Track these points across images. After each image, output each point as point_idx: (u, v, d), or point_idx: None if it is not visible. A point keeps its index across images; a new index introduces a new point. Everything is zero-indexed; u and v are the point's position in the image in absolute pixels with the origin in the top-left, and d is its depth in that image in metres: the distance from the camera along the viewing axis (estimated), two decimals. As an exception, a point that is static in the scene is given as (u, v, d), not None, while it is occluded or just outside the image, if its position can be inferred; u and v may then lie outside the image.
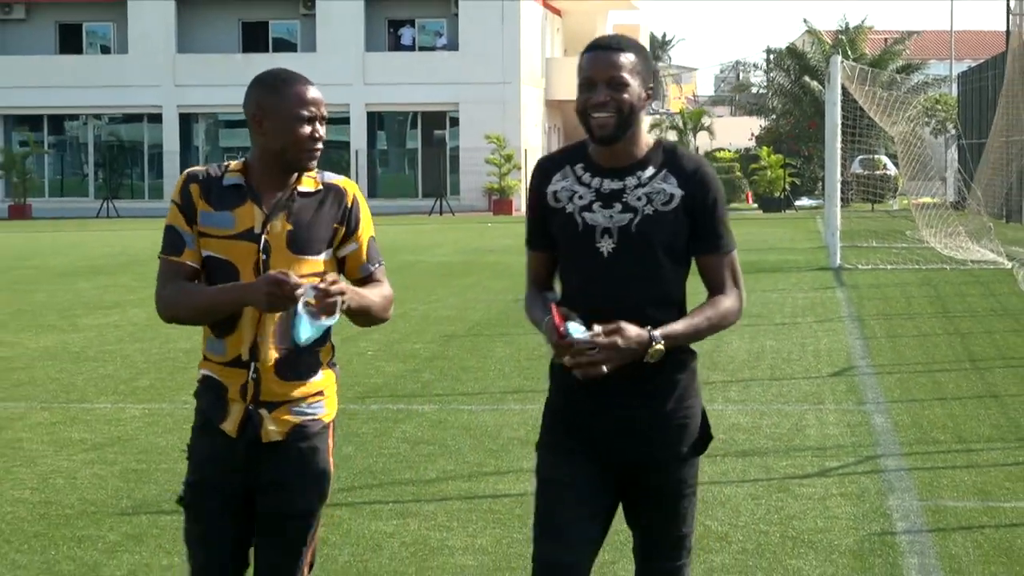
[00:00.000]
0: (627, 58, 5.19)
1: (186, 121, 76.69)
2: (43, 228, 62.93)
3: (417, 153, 79.06)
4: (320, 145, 5.40)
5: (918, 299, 27.60)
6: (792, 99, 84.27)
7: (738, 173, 78.82)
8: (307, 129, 5.32)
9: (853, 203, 60.13)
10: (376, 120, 78.46)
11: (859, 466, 12.63)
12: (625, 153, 5.26)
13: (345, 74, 74.66)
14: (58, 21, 77.47)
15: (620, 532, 6.15)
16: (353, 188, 5.54)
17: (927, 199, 50.19)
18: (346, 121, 76.50)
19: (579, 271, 5.31)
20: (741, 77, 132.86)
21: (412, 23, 78.73)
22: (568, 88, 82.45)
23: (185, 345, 19.01)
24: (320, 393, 5.55)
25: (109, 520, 10.68)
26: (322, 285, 5.22)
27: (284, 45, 79.12)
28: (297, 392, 5.45)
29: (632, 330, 5.05)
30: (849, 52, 74.37)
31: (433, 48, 77.82)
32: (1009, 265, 32.57)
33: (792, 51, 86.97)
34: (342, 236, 5.51)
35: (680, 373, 5.36)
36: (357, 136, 76.72)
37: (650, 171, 5.25)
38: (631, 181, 5.23)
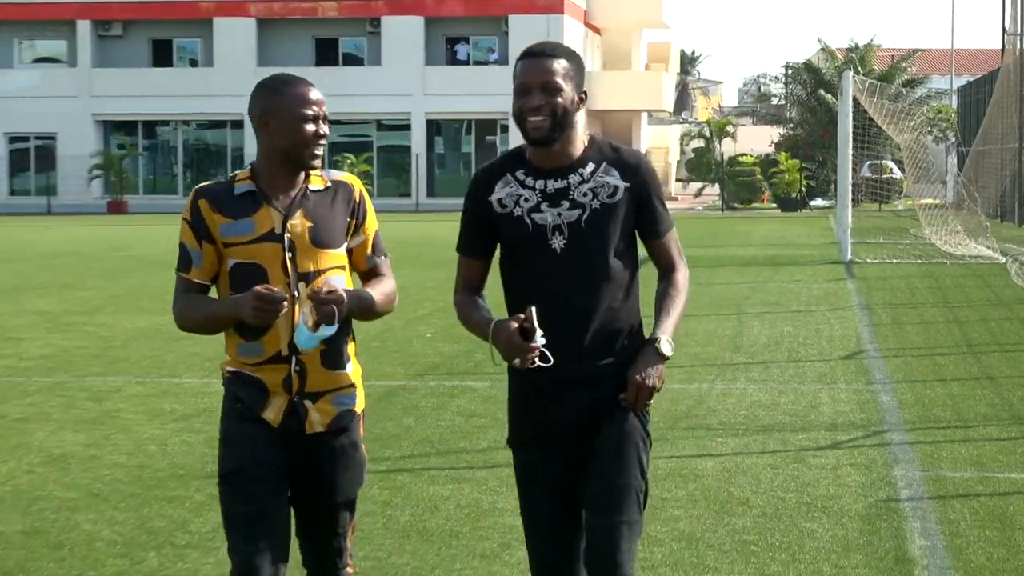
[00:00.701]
0: (560, 64, 5.02)
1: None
2: (138, 222, 62.60)
3: (471, 157, 78.49)
4: (323, 142, 5.26)
5: (921, 290, 27.47)
6: (808, 110, 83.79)
7: (759, 176, 78.28)
8: (311, 127, 5.17)
9: (863, 204, 59.74)
10: (434, 127, 78.41)
11: (867, 440, 12.61)
12: (563, 153, 5.08)
13: (407, 86, 74.76)
14: (151, 38, 77.65)
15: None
16: (358, 184, 5.40)
17: (929, 200, 50.01)
18: (407, 128, 76.65)
19: (532, 269, 5.07)
20: (762, 90, 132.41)
21: (467, 40, 78.79)
22: (605, 99, 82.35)
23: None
24: (352, 385, 5.40)
25: (196, 482, 10.75)
26: (320, 295, 5.07)
27: (352, 59, 79.15)
28: (338, 382, 5.30)
29: (652, 369, 5.00)
30: (859, 68, 73.80)
31: (486, 63, 77.81)
32: (1003, 260, 32.46)
33: (808, 67, 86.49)
34: (352, 229, 5.36)
35: (628, 357, 5.11)
36: (417, 141, 76.73)
37: (591, 167, 5.08)
38: (574, 178, 5.05)
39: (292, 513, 5.34)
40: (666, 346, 5.02)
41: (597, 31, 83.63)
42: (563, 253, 4.97)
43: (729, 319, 22.40)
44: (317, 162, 5.22)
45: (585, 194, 4.99)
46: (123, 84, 75.27)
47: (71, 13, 75.96)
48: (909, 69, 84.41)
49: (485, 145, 77.59)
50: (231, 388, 5.28)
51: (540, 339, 4.85)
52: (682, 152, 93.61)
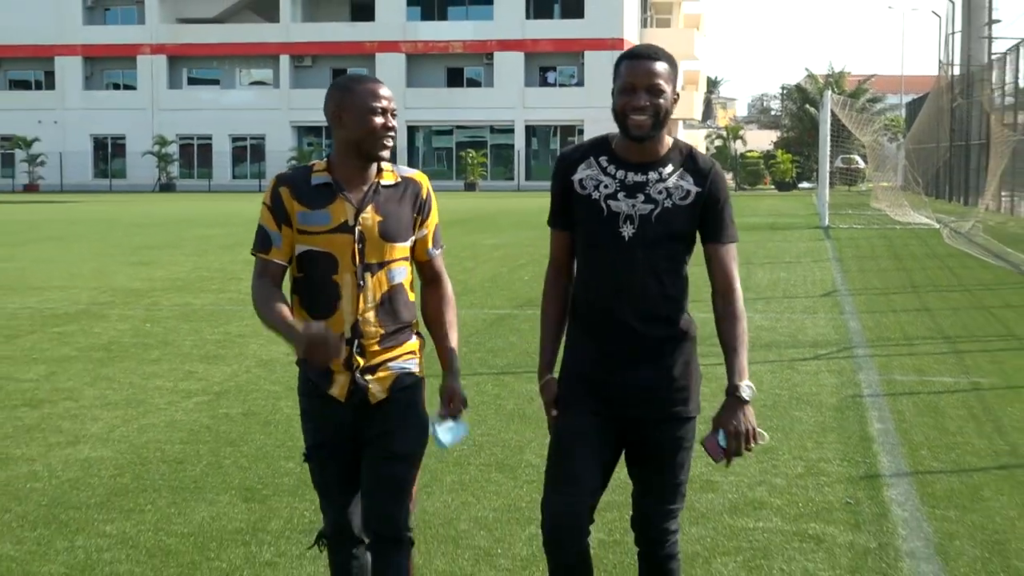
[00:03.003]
0: (663, 67, 4.21)
1: (412, 132, 76.52)
2: None
3: (556, 152, 78.22)
4: (392, 134, 4.37)
5: (878, 247, 27.23)
6: (797, 119, 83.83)
7: (762, 166, 78.32)
8: (380, 120, 4.29)
9: (836, 186, 59.19)
10: (530, 131, 78.09)
11: (839, 353, 12.54)
12: (650, 150, 4.25)
13: (512, 101, 74.59)
14: (332, 67, 77.71)
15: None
16: (426, 181, 4.49)
17: (884, 183, 49.92)
18: (512, 131, 76.48)
19: (601, 251, 4.25)
20: (764, 104, 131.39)
21: (555, 68, 78.40)
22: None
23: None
24: (412, 353, 4.46)
25: None
26: (454, 412, 4.46)
27: (473, 83, 78.95)
28: (395, 354, 4.40)
29: (742, 420, 4.24)
30: (835, 88, 73.73)
31: (568, 85, 77.45)
32: (937, 226, 32.38)
33: (798, 88, 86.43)
34: (417, 224, 4.44)
35: (683, 348, 4.36)
36: (519, 141, 76.59)
37: (670, 168, 4.24)
38: (653, 176, 4.22)
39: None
40: (747, 391, 4.27)
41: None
42: (630, 241, 4.19)
43: (741, 267, 22.03)
44: (386, 153, 4.37)
45: (660, 192, 4.21)
46: (312, 100, 75.39)
47: (276, 50, 76.23)
48: (870, 90, 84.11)
49: (567, 143, 77.29)
50: (302, 368, 4.48)
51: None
52: (707, 149, 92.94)
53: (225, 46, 76.92)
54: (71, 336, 13.84)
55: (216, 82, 79.84)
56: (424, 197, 4.45)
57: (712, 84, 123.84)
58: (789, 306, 16.60)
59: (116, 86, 79.19)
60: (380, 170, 4.39)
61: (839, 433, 8.92)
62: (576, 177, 4.28)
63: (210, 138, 77.66)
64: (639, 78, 4.15)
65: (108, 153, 78.84)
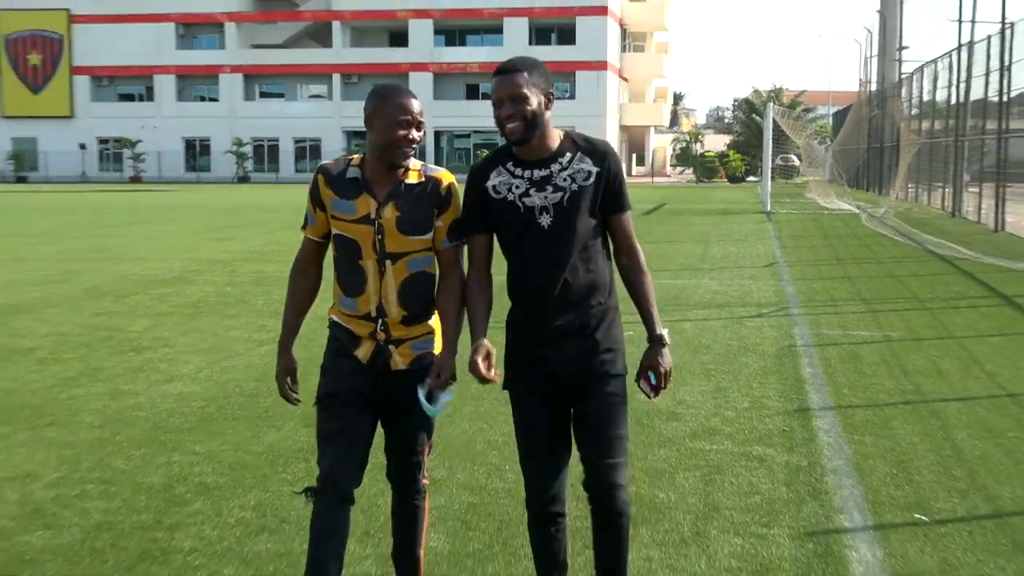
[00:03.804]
0: (523, 77, 3.85)
1: (438, 135, 76.05)
2: None
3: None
4: (414, 146, 4.01)
5: (809, 228, 27.07)
6: (746, 125, 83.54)
7: (717, 163, 78.08)
8: (403, 132, 3.95)
9: (776, 179, 59.21)
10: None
11: (778, 312, 12.51)
12: (542, 147, 3.90)
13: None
14: (373, 83, 76.75)
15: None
16: (449, 178, 4.08)
17: (815, 177, 49.71)
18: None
19: (524, 244, 3.89)
20: (720, 114, 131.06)
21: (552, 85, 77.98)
22: (630, 119, 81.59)
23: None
24: (431, 332, 4.13)
25: None
26: (430, 384, 4.02)
27: (487, 96, 76.84)
28: (417, 332, 4.07)
29: (663, 361, 3.98)
30: (776, 101, 73.65)
31: (562, 98, 76.89)
32: (857, 211, 32.21)
33: (747, 100, 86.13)
34: (436, 216, 4.03)
35: (608, 315, 3.98)
36: (523, 143, 76.22)
37: (568, 156, 3.91)
38: (555, 168, 3.89)
39: (381, 431, 4.23)
40: (666, 336, 4.03)
41: (627, 80, 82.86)
42: (550, 228, 3.85)
43: (700, 243, 22.27)
44: (406, 161, 4.01)
45: (565, 179, 3.87)
46: (358, 110, 74.31)
47: (329, 70, 75.94)
48: (803, 103, 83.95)
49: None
50: (333, 331, 4.16)
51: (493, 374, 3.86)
52: (673, 150, 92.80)
53: (289, 67, 76.67)
54: (167, 296, 13.88)
55: (282, 95, 79.55)
56: (444, 193, 4.06)
57: (677, 97, 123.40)
58: (738, 274, 16.51)
59: (202, 98, 78.98)
60: (407, 169, 4.05)
61: (778, 375, 8.92)
62: (489, 184, 3.93)
63: (277, 140, 77.44)
64: (503, 91, 3.85)
65: (196, 152, 78.70)
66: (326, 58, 76.73)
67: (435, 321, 4.15)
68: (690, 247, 21.44)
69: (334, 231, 4.07)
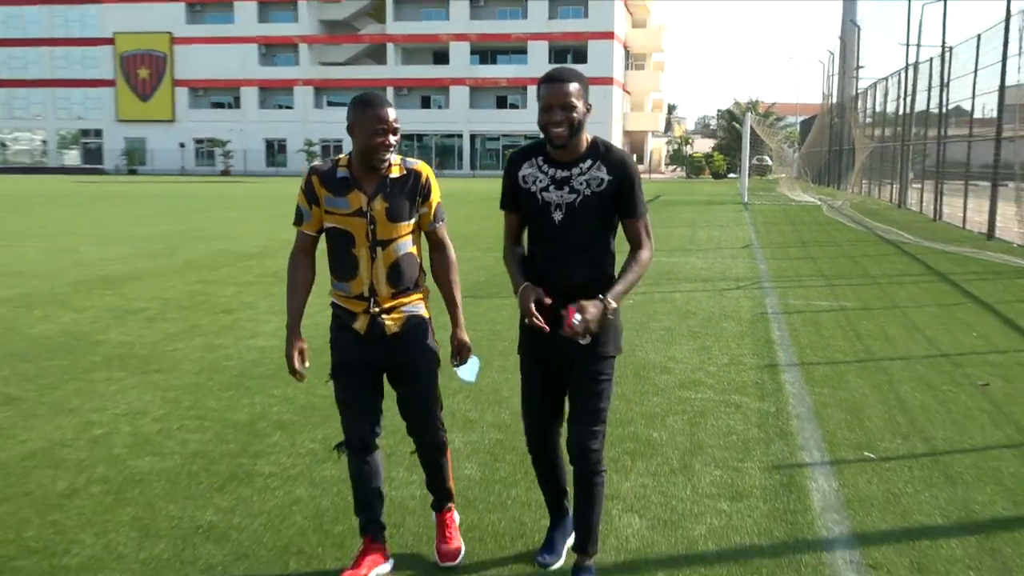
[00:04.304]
0: (574, 86, 3.65)
1: (473, 138, 76.02)
2: None
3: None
4: (389, 151, 3.78)
5: (779, 216, 26.95)
6: (727, 131, 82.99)
7: (704, 163, 77.75)
8: (380, 139, 3.73)
9: (752, 176, 59.11)
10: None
11: (752, 285, 12.45)
12: (572, 151, 3.72)
13: (534, 116, 73.73)
14: (421, 95, 76.93)
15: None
16: (426, 170, 3.90)
17: (784, 174, 49.55)
18: (539, 137, 75.59)
19: (539, 233, 3.76)
20: (707, 122, 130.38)
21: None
22: (632, 125, 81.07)
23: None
24: (421, 299, 3.96)
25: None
26: (463, 354, 4.00)
27: (514, 106, 77.60)
28: (405, 301, 3.90)
29: (592, 309, 3.58)
30: (753, 111, 73.18)
31: (576, 108, 76.34)
32: (819, 203, 32.09)
33: (729, 111, 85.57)
34: (419, 204, 3.86)
35: (599, 287, 3.73)
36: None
37: (588, 163, 3.71)
38: (576, 171, 3.70)
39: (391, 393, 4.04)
40: (611, 303, 3.65)
41: (629, 93, 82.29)
42: (560, 223, 3.69)
43: (688, 228, 22.17)
44: (382, 164, 3.79)
45: (581, 183, 3.69)
46: (407, 117, 75.10)
47: (384, 84, 75.56)
48: (775, 112, 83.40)
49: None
50: (334, 308, 4.02)
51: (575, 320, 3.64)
52: (667, 151, 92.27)
53: (351, 81, 76.38)
54: (251, 268, 13.91)
55: (345, 104, 79.10)
56: (423, 183, 3.88)
57: (671, 108, 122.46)
58: (720, 254, 16.42)
59: (280, 106, 78.82)
60: (389, 165, 3.84)
61: (752, 337, 8.89)
62: (521, 173, 3.80)
63: (340, 141, 77.16)
64: (555, 98, 3.64)
65: (275, 150, 78.63)
66: (381, 74, 76.49)
67: (422, 294, 4.00)
68: (680, 231, 21.32)
69: (327, 225, 3.88)
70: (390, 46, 76.50)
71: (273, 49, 78.66)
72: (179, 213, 26.91)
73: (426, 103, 77.56)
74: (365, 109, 3.76)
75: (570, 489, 4.09)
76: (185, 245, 17.28)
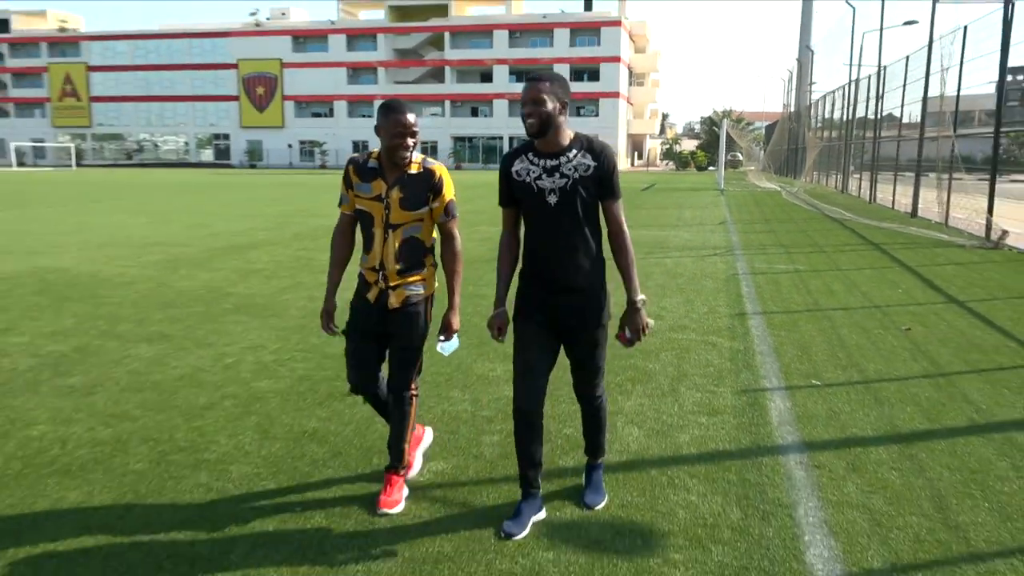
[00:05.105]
0: (544, 85, 3.25)
1: (511, 140, 75.27)
2: (470, 176, 60.54)
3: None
4: (408, 151, 3.48)
5: (748, 200, 26.49)
6: (708, 133, 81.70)
7: (689, 158, 76.70)
8: (399, 140, 3.45)
9: (728, 168, 58.29)
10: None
11: (726, 254, 12.27)
12: (556, 143, 3.29)
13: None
14: (471, 107, 76.38)
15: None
16: (441, 169, 3.57)
17: (752, 167, 48.72)
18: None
19: (536, 217, 3.33)
20: (691, 126, 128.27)
21: (583, 107, 76.38)
22: (635, 129, 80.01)
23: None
24: (423, 279, 3.63)
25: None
26: (442, 337, 3.65)
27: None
28: (408, 280, 3.60)
29: (638, 321, 3.38)
30: (727, 117, 71.92)
31: (589, 116, 75.18)
32: (779, 189, 31.52)
33: (709, 118, 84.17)
34: (431, 198, 3.53)
35: (598, 277, 3.37)
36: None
37: (574, 152, 3.30)
38: (563, 160, 3.29)
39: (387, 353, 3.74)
40: (640, 302, 3.39)
41: (632, 104, 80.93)
42: (555, 206, 3.29)
43: (677, 208, 21.89)
44: (404, 160, 3.50)
45: (570, 169, 3.28)
46: (461, 125, 74.66)
47: (443, 98, 75.01)
48: (745, 119, 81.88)
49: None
50: (359, 278, 3.72)
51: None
52: (661, 149, 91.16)
53: (419, 95, 75.80)
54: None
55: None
56: (436, 181, 3.56)
57: (664, 115, 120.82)
58: (701, 229, 16.18)
59: (363, 116, 78.49)
60: (410, 162, 3.55)
61: (726, 293, 8.79)
62: (514, 169, 3.38)
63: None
64: (527, 94, 3.26)
65: (360, 150, 78.01)
66: (440, 90, 75.94)
67: (426, 272, 3.66)
68: (671, 211, 21.07)
69: (357, 206, 3.62)
70: (447, 68, 75.84)
71: (358, 72, 78.29)
72: (287, 197, 27.01)
73: (475, 113, 76.95)
74: (388, 115, 3.49)
75: (544, 465, 3.67)
76: (292, 221, 17.27)
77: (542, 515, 3.54)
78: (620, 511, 3.59)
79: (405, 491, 3.73)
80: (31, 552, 3.22)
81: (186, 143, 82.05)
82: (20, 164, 76.72)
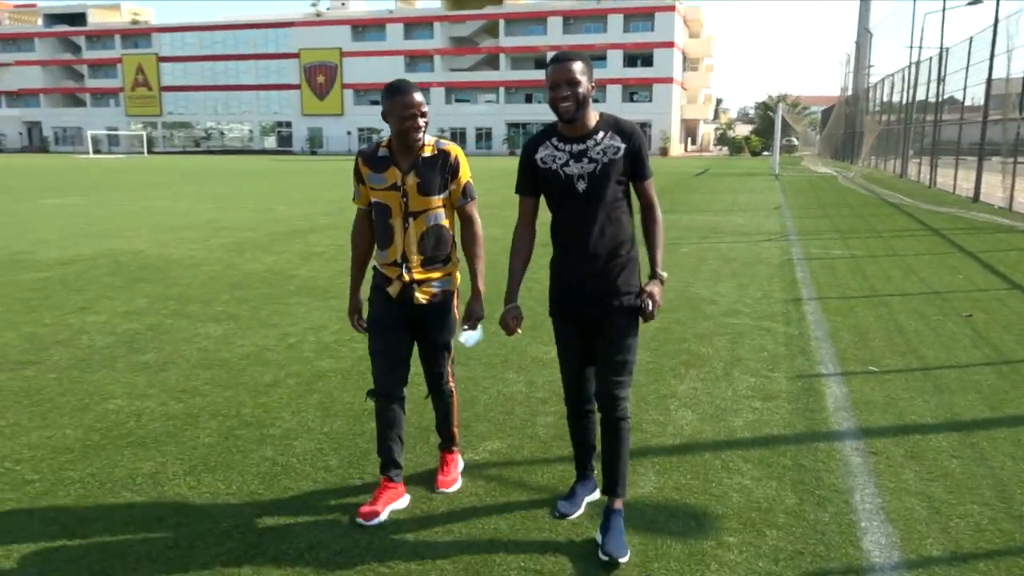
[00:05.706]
0: (577, 65, 3.02)
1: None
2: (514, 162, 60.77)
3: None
4: (419, 131, 3.24)
5: (804, 185, 25.95)
6: (763, 118, 79.99)
7: (743, 143, 75.25)
8: (409, 122, 3.21)
9: (783, 154, 57.09)
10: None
11: (781, 239, 12.04)
12: (582, 127, 3.06)
13: (615, 110, 71.93)
14: (525, 93, 76.08)
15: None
16: (456, 150, 3.32)
17: (808, 152, 47.66)
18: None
19: (565, 205, 3.08)
20: (746, 111, 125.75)
21: (636, 92, 75.51)
22: (689, 114, 78.78)
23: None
24: (449, 274, 3.40)
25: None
26: (467, 327, 3.41)
27: (596, 101, 76.29)
28: (434, 275, 3.36)
29: (656, 292, 3.10)
30: (783, 102, 70.32)
31: (643, 101, 74.25)
32: (835, 174, 30.83)
33: (764, 102, 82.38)
34: (449, 180, 3.31)
35: (629, 264, 3.12)
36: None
37: (601, 135, 3.06)
38: (591, 143, 3.05)
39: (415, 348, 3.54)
40: (663, 275, 3.17)
41: (686, 89, 79.74)
42: (584, 193, 3.04)
43: (731, 194, 21.54)
44: (416, 143, 3.26)
45: (598, 153, 3.04)
46: (516, 111, 74.41)
47: (497, 84, 74.85)
48: (801, 103, 80.00)
49: (644, 133, 74.31)
50: (375, 273, 3.43)
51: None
52: (715, 135, 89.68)
53: (473, 83, 76.02)
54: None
55: (468, 101, 78.93)
56: (452, 163, 3.32)
57: (718, 100, 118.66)
58: (755, 214, 15.90)
59: (420, 103, 79.09)
60: (423, 145, 3.31)
61: (780, 278, 8.63)
62: (538, 156, 3.13)
63: (465, 129, 77.35)
64: (559, 76, 3.00)
65: (416, 136, 79.04)
66: (495, 77, 75.87)
67: (451, 266, 3.43)
68: (724, 196, 20.73)
69: (372, 199, 3.37)
70: (502, 56, 75.68)
71: (415, 60, 78.69)
72: (346, 183, 27.23)
73: (529, 99, 76.65)
74: (394, 97, 3.23)
75: (598, 445, 3.37)
76: (351, 206, 17.19)
77: (596, 495, 3.48)
78: (674, 493, 3.55)
79: (461, 465, 3.72)
80: (109, 519, 3.33)
81: (250, 131, 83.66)
82: (96, 151, 79.31)
